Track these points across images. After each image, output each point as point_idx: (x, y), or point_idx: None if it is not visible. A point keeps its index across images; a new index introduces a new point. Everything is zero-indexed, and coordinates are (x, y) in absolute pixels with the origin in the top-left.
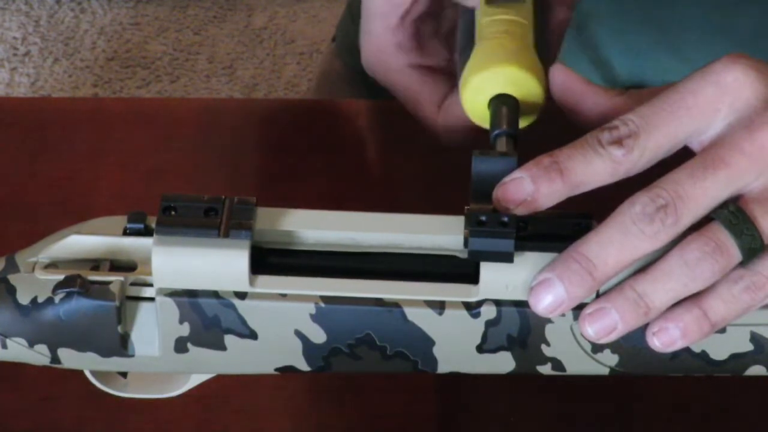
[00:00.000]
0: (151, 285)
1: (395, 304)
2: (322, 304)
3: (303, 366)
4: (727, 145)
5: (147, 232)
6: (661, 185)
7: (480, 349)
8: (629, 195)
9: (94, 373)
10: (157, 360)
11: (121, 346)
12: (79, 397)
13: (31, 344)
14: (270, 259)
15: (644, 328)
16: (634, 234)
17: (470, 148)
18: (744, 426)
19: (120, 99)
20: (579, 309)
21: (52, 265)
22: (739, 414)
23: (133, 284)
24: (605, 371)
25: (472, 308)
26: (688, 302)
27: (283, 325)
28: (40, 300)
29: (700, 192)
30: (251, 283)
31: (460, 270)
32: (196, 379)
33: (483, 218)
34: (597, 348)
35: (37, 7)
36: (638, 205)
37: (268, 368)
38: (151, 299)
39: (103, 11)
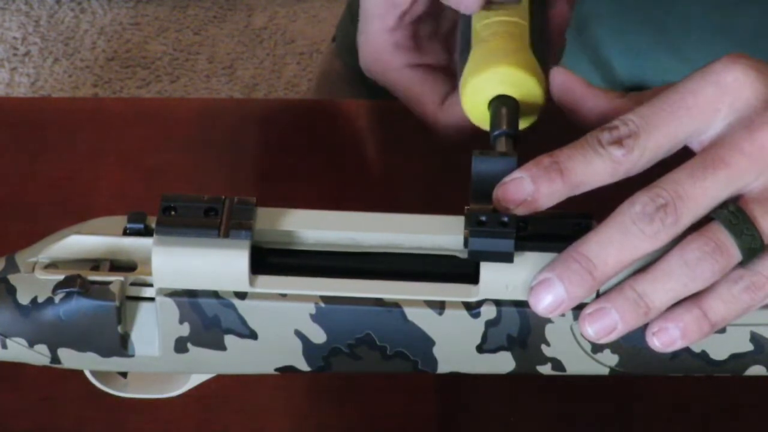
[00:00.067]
0: (151, 285)
1: (395, 304)
2: (322, 304)
3: (303, 366)
4: (727, 145)
5: (147, 232)
6: (661, 185)
7: (480, 349)
8: (629, 195)
9: (94, 373)
10: (157, 360)
11: (121, 346)
12: (79, 397)
13: (31, 344)
14: (270, 259)
15: (644, 328)
16: (634, 234)
17: (471, 146)
18: (744, 426)
19: (120, 99)
20: (579, 309)
21: (52, 265)
22: (739, 414)
23: (133, 284)
24: (605, 371)
25: (472, 308)
26: (688, 302)
27: (283, 325)
28: (40, 300)
29: (700, 192)
30: (251, 283)
31: (460, 270)
32: (196, 379)
33: (483, 218)
34: (597, 348)
35: (37, 7)
36: (638, 204)
37: (268, 368)
38: (151, 299)
39: (103, 11)
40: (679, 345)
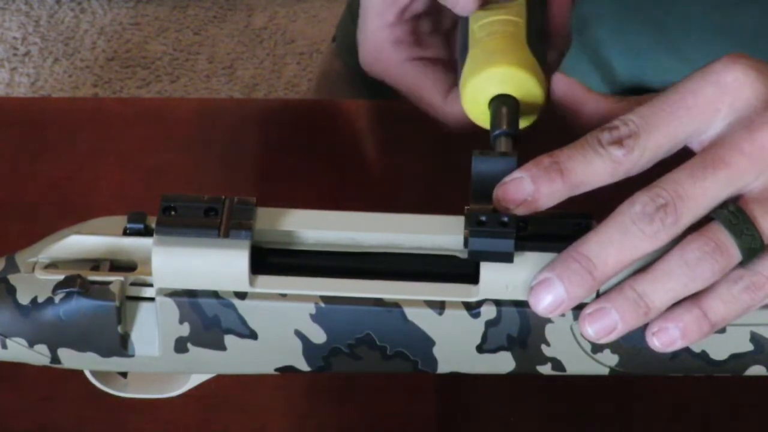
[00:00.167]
0: (151, 285)
1: (395, 304)
2: (322, 304)
3: (303, 366)
4: (727, 145)
5: (147, 232)
6: (661, 185)
7: (480, 349)
8: (629, 195)
9: (94, 373)
10: (157, 360)
11: (121, 346)
12: (79, 397)
13: (31, 344)
14: (270, 259)
15: (644, 328)
16: (633, 233)
17: (471, 146)
18: (744, 426)
19: (120, 99)
20: (579, 309)
21: (52, 265)
22: (739, 414)
23: (133, 284)
24: (605, 371)
25: (472, 308)
26: (688, 302)
27: (283, 325)
28: (40, 300)
29: (699, 192)
30: (251, 283)
31: (460, 270)
32: (196, 379)
33: (483, 218)
34: (597, 348)
35: (37, 7)
36: (638, 204)
37: (268, 368)
38: (151, 299)
39: (103, 11)
40: (679, 345)
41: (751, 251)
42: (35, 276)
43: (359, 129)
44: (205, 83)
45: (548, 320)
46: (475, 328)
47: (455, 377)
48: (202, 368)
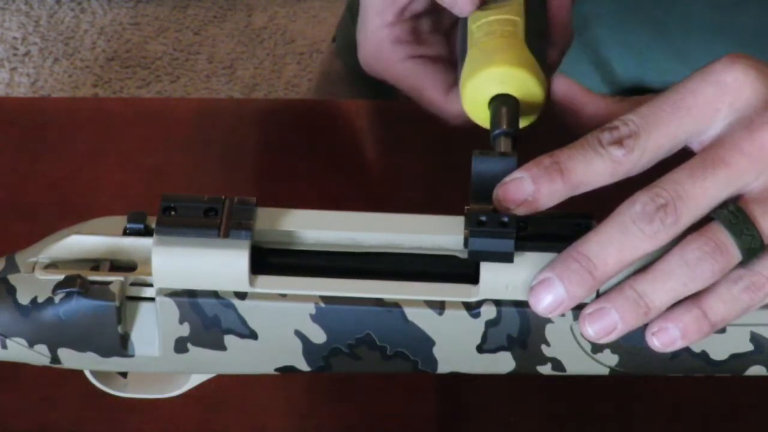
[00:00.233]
0: (151, 285)
1: (395, 304)
2: (322, 304)
3: (303, 366)
4: (727, 145)
5: (147, 232)
6: (661, 185)
7: (480, 349)
8: (629, 195)
9: (94, 373)
10: (157, 360)
11: (121, 346)
12: (79, 397)
13: (31, 344)
14: (270, 259)
15: (644, 328)
16: (633, 233)
17: (471, 146)
18: (744, 426)
19: (120, 99)
20: (579, 309)
21: (52, 265)
22: (739, 414)
23: (133, 284)
24: (605, 371)
25: (472, 308)
26: (688, 302)
27: (283, 325)
28: (40, 300)
29: (699, 192)
30: (251, 283)
31: (460, 270)
32: (196, 379)
33: (483, 218)
34: (597, 348)
35: (37, 7)
36: (638, 204)
37: (268, 368)
38: (151, 299)
39: (103, 11)
40: (678, 345)
41: (751, 251)
42: (35, 276)
43: (359, 129)
44: (205, 83)
45: (548, 320)
46: (475, 328)
47: (455, 377)
48: (202, 368)
